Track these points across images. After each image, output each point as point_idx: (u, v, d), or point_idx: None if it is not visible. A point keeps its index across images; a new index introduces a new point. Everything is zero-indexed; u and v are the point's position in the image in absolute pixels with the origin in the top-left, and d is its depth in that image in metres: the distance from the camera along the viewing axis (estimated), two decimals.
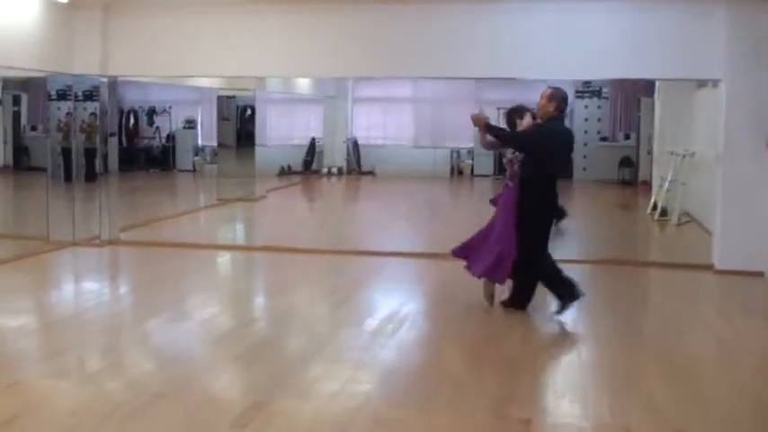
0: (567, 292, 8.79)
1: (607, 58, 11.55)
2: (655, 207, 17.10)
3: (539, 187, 8.72)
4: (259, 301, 10.41)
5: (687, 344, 8.17)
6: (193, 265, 12.06)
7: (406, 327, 8.44)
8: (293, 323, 8.88)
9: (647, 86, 22.35)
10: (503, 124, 9.33)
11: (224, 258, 12.93)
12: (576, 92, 26.34)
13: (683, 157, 16.12)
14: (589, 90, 26.48)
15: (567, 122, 25.73)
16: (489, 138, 8.91)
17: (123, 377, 6.85)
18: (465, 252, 9.18)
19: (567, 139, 9.16)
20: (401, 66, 12.45)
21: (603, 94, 26.48)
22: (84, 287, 10.81)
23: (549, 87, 8.95)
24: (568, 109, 25.57)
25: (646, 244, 15.56)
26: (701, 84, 15.34)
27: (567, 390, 6.65)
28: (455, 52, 11.94)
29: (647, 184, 22.35)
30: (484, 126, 8.80)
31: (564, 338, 8.37)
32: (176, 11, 12.56)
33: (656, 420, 6.00)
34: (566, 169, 9.01)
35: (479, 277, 8.98)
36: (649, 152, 22.39)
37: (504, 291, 9.17)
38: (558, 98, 8.83)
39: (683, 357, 7.63)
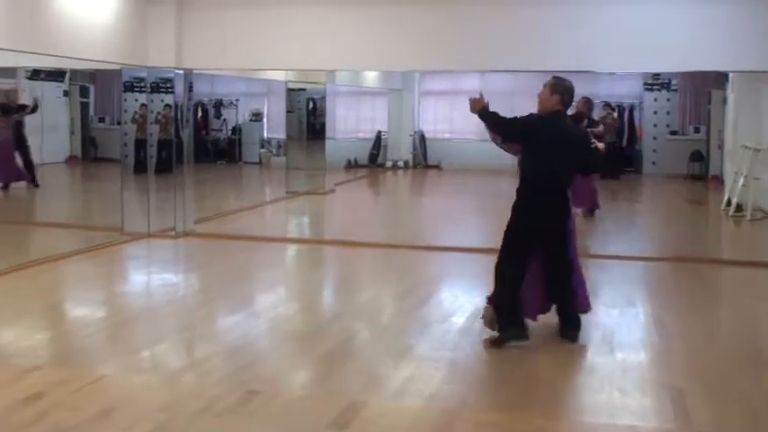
0: (509, 325, 7.53)
1: (679, 50, 11.33)
2: (729, 203, 16.78)
3: (524, 191, 7.65)
4: (339, 296, 10.32)
5: None
6: (268, 258, 12.05)
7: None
8: (378, 320, 8.80)
9: (718, 78, 22.03)
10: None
11: (297, 252, 12.92)
12: (645, 84, 26.06)
13: (757, 151, 15.81)
14: (658, 82, 26.02)
15: (636, 115, 25.75)
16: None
17: (213, 373, 6.80)
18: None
19: (572, 138, 7.83)
20: (471, 59, 12.32)
21: (673, 87, 25.99)
22: (163, 279, 10.79)
23: (553, 77, 7.76)
24: (637, 101, 25.60)
25: (721, 241, 15.30)
26: None
27: (662, 392, 6.48)
28: (525, 45, 11.80)
29: (718, 179, 22.08)
30: (479, 111, 7.63)
31: (648, 339, 8.18)
32: (250, 4, 12.54)
33: (757, 429, 5.85)
34: (561, 176, 7.63)
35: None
36: (720, 146, 22.12)
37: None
38: (562, 90, 7.63)
39: None
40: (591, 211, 16.30)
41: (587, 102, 16.52)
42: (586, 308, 8.12)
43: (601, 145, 10.58)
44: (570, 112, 8.23)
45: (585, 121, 15.95)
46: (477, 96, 7.67)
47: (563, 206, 7.68)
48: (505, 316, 7.52)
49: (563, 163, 7.61)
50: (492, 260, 11.52)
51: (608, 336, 7.98)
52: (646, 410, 6.13)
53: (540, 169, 7.56)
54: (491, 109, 7.61)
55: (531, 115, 7.75)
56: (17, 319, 8.45)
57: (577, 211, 16.38)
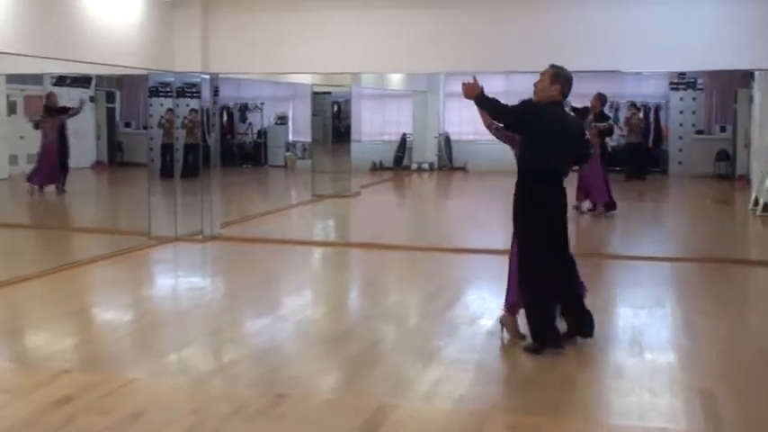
0: (545, 334, 7.41)
1: (705, 49, 11.26)
2: (756, 202, 16.66)
3: (528, 184, 7.46)
4: (366, 299, 10.31)
5: None
6: (296, 261, 12.06)
7: (521, 327, 8.31)
8: (405, 322, 8.80)
9: (744, 77, 21.93)
10: None
11: (324, 255, 12.94)
12: (671, 84, 25.91)
13: None
14: (684, 82, 25.83)
15: (662, 115, 25.64)
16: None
17: (242, 376, 6.81)
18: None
19: (572, 131, 7.65)
20: (496, 60, 12.29)
21: (699, 86, 25.80)
22: (190, 283, 10.82)
23: (552, 66, 7.45)
24: (663, 101, 25.49)
25: (749, 241, 15.20)
26: None
27: (692, 394, 6.44)
28: (550, 46, 11.73)
29: (745, 179, 21.97)
30: (476, 97, 7.38)
31: (677, 340, 8.12)
32: (275, 8, 12.56)
33: None
34: (564, 168, 7.49)
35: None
36: (747, 145, 22.00)
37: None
38: (562, 80, 7.36)
39: None
40: (607, 206, 16.28)
41: (600, 97, 16.55)
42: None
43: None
44: (565, 105, 8.07)
45: (592, 116, 15.98)
46: (471, 81, 7.42)
47: (563, 198, 7.56)
48: (542, 325, 7.40)
49: (562, 154, 7.49)
50: None
51: (637, 337, 7.96)
52: (676, 412, 6.10)
53: (541, 160, 7.38)
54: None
55: (530, 102, 7.55)
56: (46, 323, 8.49)
57: (584, 207, 16.48)
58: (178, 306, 9.57)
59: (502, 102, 7.44)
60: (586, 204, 16.57)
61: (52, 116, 19.05)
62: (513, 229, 7.66)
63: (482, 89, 7.39)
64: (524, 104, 7.56)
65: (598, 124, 16.21)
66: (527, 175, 7.44)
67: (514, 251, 7.66)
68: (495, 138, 7.94)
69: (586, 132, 15.73)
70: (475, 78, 7.45)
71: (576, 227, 15.71)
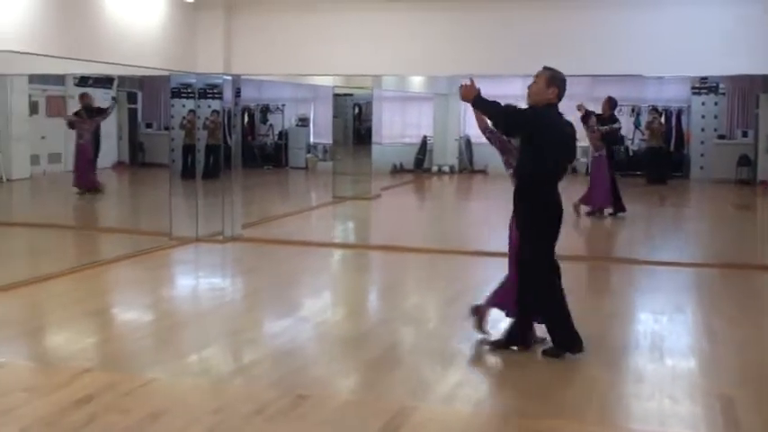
0: (567, 338, 7.37)
1: (728, 54, 11.20)
2: None
3: (540, 188, 7.37)
4: (386, 301, 10.31)
5: None
6: (315, 263, 12.07)
7: (540, 331, 8.31)
8: (425, 325, 8.79)
9: (766, 82, 21.85)
10: None
11: (344, 257, 12.94)
12: (693, 88, 25.80)
13: None
14: (706, 86, 25.70)
15: (684, 119, 25.57)
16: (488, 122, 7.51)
17: (262, 377, 6.83)
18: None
19: (568, 134, 7.56)
20: (517, 63, 12.23)
21: (721, 90, 25.68)
22: (211, 284, 10.87)
23: (547, 69, 7.37)
24: (685, 105, 25.41)
25: None
26: None
27: (712, 400, 6.41)
28: (572, 49, 11.72)
29: (767, 184, 21.89)
30: (473, 99, 7.29)
31: (698, 346, 8.09)
32: (298, 10, 12.57)
33: None
34: (563, 172, 7.61)
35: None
36: None
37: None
38: (558, 83, 7.28)
39: None
40: (615, 209, 16.30)
41: (609, 100, 16.59)
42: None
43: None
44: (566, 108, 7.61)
45: (594, 119, 15.99)
46: (468, 82, 7.30)
47: (559, 201, 7.48)
48: (566, 331, 7.35)
49: (563, 157, 7.49)
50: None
51: (657, 342, 7.94)
52: (696, 418, 6.09)
53: (547, 164, 7.28)
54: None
55: (531, 107, 7.35)
56: (68, 323, 8.54)
57: (587, 208, 16.51)
58: (199, 306, 9.60)
59: (502, 104, 7.30)
60: (585, 208, 16.54)
61: (88, 117, 19.09)
62: (518, 235, 7.55)
63: (479, 91, 7.27)
64: (529, 109, 7.33)
65: (601, 128, 16.21)
66: (532, 180, 7.33)
67: (515, 255, 7.59)
68: (488, 140, 7.92)
69: (587, 135, 15.83)
70: (472, 81, 7.34)
71: (597, 232, 15.69)
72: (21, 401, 6.05)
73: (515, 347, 7.42)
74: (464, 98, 7.35)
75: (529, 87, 7.38)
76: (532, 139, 7.28)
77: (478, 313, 7.77)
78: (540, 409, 6.18)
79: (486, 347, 7.49)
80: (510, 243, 7.75)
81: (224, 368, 7.16)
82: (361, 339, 8.01)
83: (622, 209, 16.47)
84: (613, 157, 17.26)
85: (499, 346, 7.45)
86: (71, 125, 19.36)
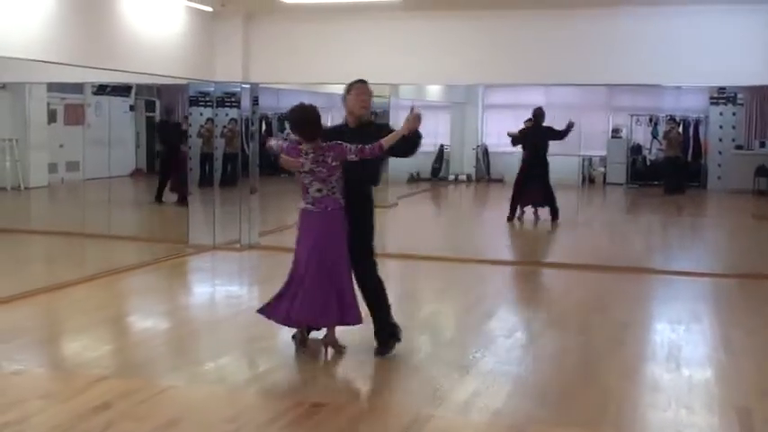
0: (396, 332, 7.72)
1: (746, 64, 11.20)
2: None
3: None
4: (403, 309, 10.23)
5: None
6: None
7: (558, 340, 8.31)
8: (442, 333, 8.79)
9: None
10: None
11: None
12: (711, 98, 25.74)
13: None
14: (724, 96, 25.65)
15: (701, 129, 25.49)
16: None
17: (278, 385, 6.85)
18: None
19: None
20: (536, 72, 12.28)
21: (739, 101, 25.61)
22: (228, 291, 10.88)
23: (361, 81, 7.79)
24: (703, 116, 25.36)
25: None
26: None
27: (729, 411, 6.38)
28: (590, 58, 11.75)
29: None
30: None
31: (715, 356, 8.05)
32: (316, 19, 12.61)
33: None
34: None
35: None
36: None
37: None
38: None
39: None
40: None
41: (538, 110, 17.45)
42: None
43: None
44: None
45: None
46: (420, 113, 7.28)
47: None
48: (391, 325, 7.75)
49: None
50: (562, 275, 11.66)
51: (674, 352, 7.91)
52: (712, 429, 6.06)
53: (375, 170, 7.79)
54: None
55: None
56: (84, 330, 8.56)
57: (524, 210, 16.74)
58: (215, 314, 9.62)
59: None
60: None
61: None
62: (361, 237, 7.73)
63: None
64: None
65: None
66: (366, 187, 7.70)
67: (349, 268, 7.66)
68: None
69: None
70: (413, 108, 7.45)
71: (615, 241, 15.65)
72: (38, 409, 6.07)
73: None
74: (412, 129, 7.24)
75: (362, 101, 7.75)
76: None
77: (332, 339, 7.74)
78: (556, 419, 6.17)
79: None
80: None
81: (240, 376, 7.16)
82: None
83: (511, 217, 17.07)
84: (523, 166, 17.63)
85: (389, 349, 7.58)
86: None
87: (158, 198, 19.71)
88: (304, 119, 7.47)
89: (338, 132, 7.66)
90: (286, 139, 7.75)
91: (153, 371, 7.22)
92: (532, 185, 17.00)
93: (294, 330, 7.75)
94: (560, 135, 16.79)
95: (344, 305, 7.48)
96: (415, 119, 7.18)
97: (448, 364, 7.45)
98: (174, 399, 6.42)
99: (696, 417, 6.22)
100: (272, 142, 7.77)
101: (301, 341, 7.71)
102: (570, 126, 16.68)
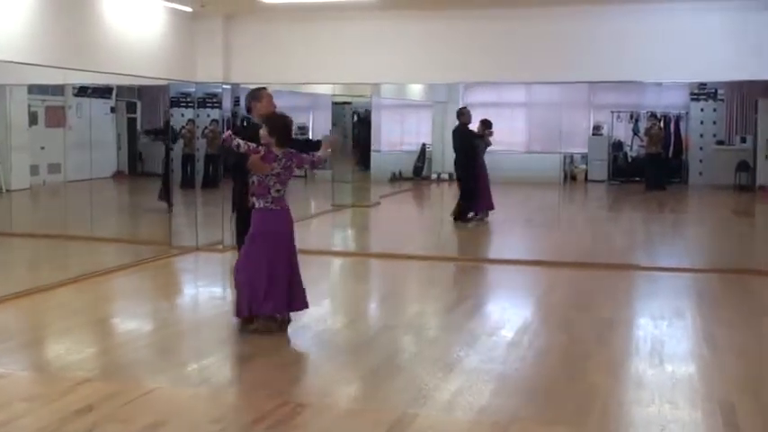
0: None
1: (727, 60, 11.28)
2: None
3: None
4: (387, 309, 10.30)
5: None
6: (315, 271, 11.98)
7: (541, 338, 8.33)
8: (426, 332, 8.78)
9: (765, 88, 21.88)
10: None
11: (344, 265, 12.94)
12: (692, 94, 25.84)
13: None
14: (704, 92, 25.72)
15: (682, 125, 25.60)
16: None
17: (264, 386, 6.82)
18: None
19: None
20: (517, 71, 12.35)
21: (719, 96, 25.69)
22: (211, 293, 10.89)
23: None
24: (684, 111, 25.44)
25: None
26: None
27: (713, 406, 6.39)
28: (569, 56, 11.82)
29: (766, 189, 21.92)
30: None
31: (698, 351, 8.07)
32: (296, 19, 12.62)
33: None
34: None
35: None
36: (767, 156, 21.97)
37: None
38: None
39: None
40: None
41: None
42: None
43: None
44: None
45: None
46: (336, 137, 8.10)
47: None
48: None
49: None
50: (544, 273, 11.68)
51: (657, 348, 7.94)
52: (696, 424, 6.08)
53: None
54: None
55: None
56: (67, 333, 8.55)
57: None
58: (199, 315, 9.61)
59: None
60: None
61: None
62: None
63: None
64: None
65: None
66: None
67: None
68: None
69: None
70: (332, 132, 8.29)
71: (595, 237, 15.70)
72: (21, 412, 6.06)
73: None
74: (331, 148, 8.85)
75: (261, 103, 8.97)
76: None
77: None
78: (540, 416, 6.19)
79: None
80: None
81: (224, 377, 7.17)
82: (361, 347, 8.03)
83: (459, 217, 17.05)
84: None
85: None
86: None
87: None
88: (285, 126, 8.25)
89: (255, 130, 8.35)
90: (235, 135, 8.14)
91: (137, 373, 7.20)
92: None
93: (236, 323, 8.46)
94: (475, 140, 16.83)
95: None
96: (334, 141, 8.36)
97: (432, 363, 7.46)
98: (159, 400, 6.41)
99: (680, 412, 6.25)
100: (238, 141, 7.97)
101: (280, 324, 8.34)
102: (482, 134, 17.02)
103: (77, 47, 10.61)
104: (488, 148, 17.50)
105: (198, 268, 12.32)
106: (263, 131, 8.07)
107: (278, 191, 8.11)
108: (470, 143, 16.77)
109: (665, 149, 25.55)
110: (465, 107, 17.31)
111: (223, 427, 5.80)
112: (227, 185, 10.90)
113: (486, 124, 17.46)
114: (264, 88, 8.86)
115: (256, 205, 8.14)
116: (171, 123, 14.08)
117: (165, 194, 16.63)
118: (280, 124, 8.17)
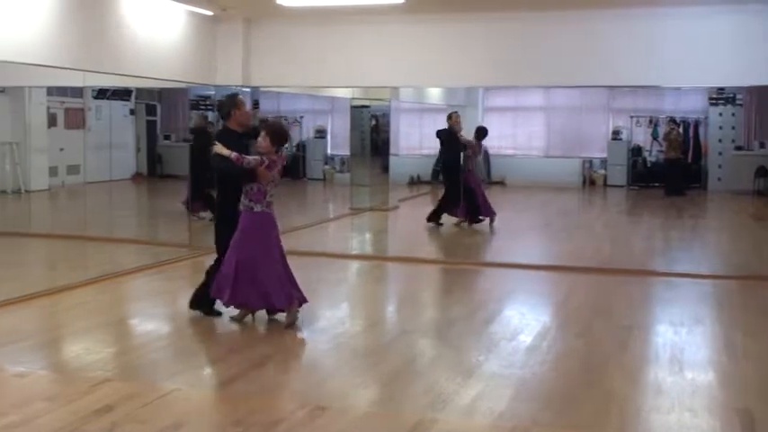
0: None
1: (745, 65, 11.24)
2: None
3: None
4: (405, 313, 10.30)
5: None
6: (333, 274, 12.06)
7: (560, 343, 8.32)
8: (445, 337, 8.75)
9: None
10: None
11: (362, 268, 12.93)
12: (710, 99, 25.72)
13: None
14: (723, 97, 25.59)
15: (701, 131, 25.53)
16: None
17: (283, 389, 6.87)
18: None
19: None
20: (536, 75, 12.34)
21: (738, 101, 25.57)
22: None
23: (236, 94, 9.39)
24: (703, 116, 25.37)
25: None
26: None
27: (732, 414, 6.38)
28: (588, 60, 11.80)
29: None
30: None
31: (717, 359, 8.04)
32: (316, 23, 12.65)
33: None
34: None
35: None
36: None
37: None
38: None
39: None
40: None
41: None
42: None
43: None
44: None
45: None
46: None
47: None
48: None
49: None
50: (563, 278, 11.65)
51: (677, 355, 7.92)
52: None
53: None
54: None
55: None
56: (87, 333, 8.58)
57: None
58: (218, 317, 9.60)
59: None
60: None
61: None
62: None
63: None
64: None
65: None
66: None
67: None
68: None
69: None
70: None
71: (615, 242, 15.65)
72: (41, 411, 6.08)
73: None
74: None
75: (242, 111, 8.88)
76: None
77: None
78: (559, 422, 6.18)
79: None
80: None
81: (243, 379, 7.15)
82: (379, 351, 8.03)
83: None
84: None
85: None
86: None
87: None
88: (286, 133, 8.77)
89: (234, 137, 8.64)
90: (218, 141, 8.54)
91: (156, 374, 7.23)
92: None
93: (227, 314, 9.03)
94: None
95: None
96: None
97: (451, 368, 7.46)
98: (178, 401, 6.43)
99: (699, 419, 6.22)
100: (249, 159, 8.33)
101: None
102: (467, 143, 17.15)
103: (98, 49, 10.66)
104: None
105: None
106: (263, 140, 8.35)
107: (271, 195, 8.59)
108: (456, 147, 16.81)
109: (684, 154, 25.47)
110: (455, 112, 17.23)
111: (243, 429, 5.80)
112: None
113: (480, 133, 17.54)
114: (239, 94, 9.20)
115: (254, 209, 8.54)
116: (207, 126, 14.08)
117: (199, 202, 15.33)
118: (284, 136, 8.61)
